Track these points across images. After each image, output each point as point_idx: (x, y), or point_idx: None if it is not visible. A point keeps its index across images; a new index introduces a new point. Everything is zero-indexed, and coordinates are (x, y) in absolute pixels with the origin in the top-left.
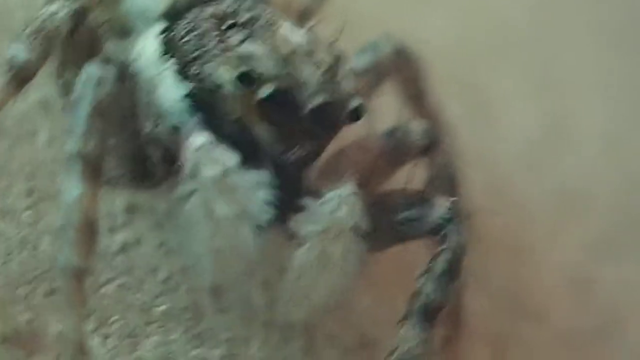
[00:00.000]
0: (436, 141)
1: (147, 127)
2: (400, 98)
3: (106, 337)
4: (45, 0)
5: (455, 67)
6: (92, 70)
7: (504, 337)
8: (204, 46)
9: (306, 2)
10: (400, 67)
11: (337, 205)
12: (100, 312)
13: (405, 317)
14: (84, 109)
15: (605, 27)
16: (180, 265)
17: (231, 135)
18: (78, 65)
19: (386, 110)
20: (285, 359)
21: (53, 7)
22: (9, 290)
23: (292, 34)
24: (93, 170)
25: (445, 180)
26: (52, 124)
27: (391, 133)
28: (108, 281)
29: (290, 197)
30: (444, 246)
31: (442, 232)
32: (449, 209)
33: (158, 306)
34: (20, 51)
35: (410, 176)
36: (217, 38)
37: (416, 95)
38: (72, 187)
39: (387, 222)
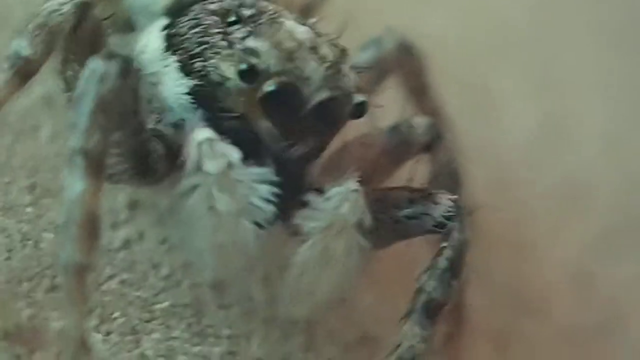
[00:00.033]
0: (439, 137)
1: (150, 122)
2: (403, 93)
3: (108, 333)
4: None
5: (456, 67)
6: (95, 66)
7: (506, 333)
8: (207, 42)
9: None
10: (403, 63)
11: (340, 201)
12: (102, 309)
13: (407, 314)
14: (87, 104)
15: (605, 27)
16: (182, 261)
17: (234, 131)
18: (81, 60)
19: (389, 106)
20: (286, 356)
21: (56, 2)
22: (10, 287)
23: (295, 30)
24: (96, 166)
25: (448, 177)
26: (55, 119)
27: (394, 129)
28: (110, 277)
29: (293, 193)
30: (446, 243)
31: (445, 229)
32: (452, 206)
33: (160, 303)
34: (23, 46)
35: (413, 173)
36: (221, 34)
37: (419, 90)
38: (75, 183)
39: (389, 219)
